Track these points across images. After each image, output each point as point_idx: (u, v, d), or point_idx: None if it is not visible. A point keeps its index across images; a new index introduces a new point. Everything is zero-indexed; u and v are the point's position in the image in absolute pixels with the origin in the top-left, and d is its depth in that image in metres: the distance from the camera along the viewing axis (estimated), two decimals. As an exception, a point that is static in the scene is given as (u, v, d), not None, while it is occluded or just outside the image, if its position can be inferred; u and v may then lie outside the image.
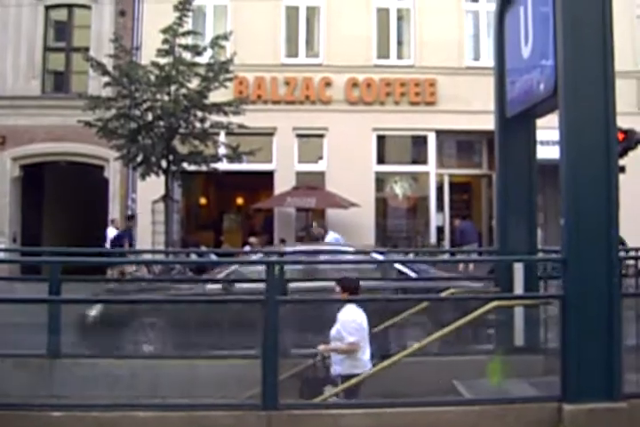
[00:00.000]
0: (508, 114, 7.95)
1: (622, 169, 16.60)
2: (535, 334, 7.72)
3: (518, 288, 7.69)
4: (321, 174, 19.81)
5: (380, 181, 20.41)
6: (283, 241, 18.78)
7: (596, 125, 5.86)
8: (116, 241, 17.24)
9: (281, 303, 6.22)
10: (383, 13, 20.44)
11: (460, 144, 21.60)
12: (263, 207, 20.12)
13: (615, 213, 5.87)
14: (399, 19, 20.68)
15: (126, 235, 17.45)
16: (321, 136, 19.89)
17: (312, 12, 20.48)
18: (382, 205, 20.56)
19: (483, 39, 20.03)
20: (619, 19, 19.33)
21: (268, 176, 19.68)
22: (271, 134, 19.69)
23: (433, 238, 20.01)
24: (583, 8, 5.95)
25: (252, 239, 18.02)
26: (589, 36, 5.95)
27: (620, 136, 15.59)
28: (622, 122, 15.82)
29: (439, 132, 20.13)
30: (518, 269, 7.73)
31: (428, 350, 7.18)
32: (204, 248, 17.16)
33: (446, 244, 20.09)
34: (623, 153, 15.89)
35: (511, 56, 7.77)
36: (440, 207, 20.35)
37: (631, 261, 10.16)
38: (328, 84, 19.75)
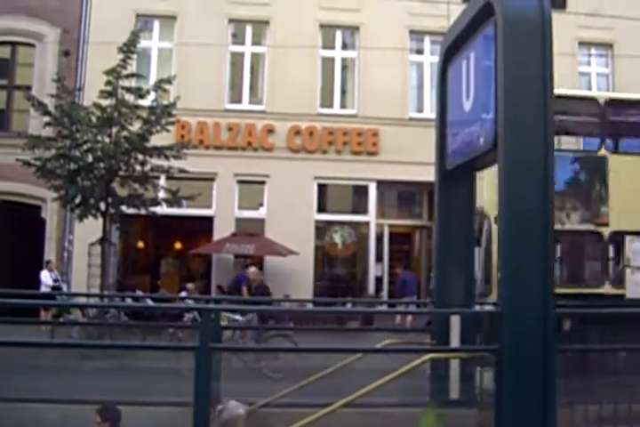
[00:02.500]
0: (448, 166, 7.97)
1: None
2: (470, 387, 7.65)
3: (454, 341, 7.63)
4: (261, 221, 19.73)
5: (320, 229, 20.40)
6: (220, 288, 18.57)
7: (534, 180, 5.87)
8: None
9: (214, 351, 6.06)
10: (328, 62, 20.70)
11: (401, 195, 21.80)
12: (201, 253, 19.89)
13: (551, 268, 5.86)
14: (344, 68, 20.97)
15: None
16: (262, 183, 19.87)
17: (257, 59, 20.65)
18: (321, 254, 20.52)
19: (427, 91, 20.40)
20: (562, 75, 20.01)
21: (207, 221, 19.54)
22: (212, 180, 19.60)
23: (371, 289, 19.97)
24: (524, 63, 6.01)
25: (189, 285, 17.78)
26: (530, 91, 6.00)
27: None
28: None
29: (380, 183, 20.26)
30: (455, 321, 7.69)
31: (363, 401, 7.05)
32: (140, 293, 16.89)
33: (385, 294, 20.07)
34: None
35: (453, 109, 7.82)
36: (379, 257, 20.37)
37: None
38: (271, 131, 19.82)
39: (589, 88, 22.26)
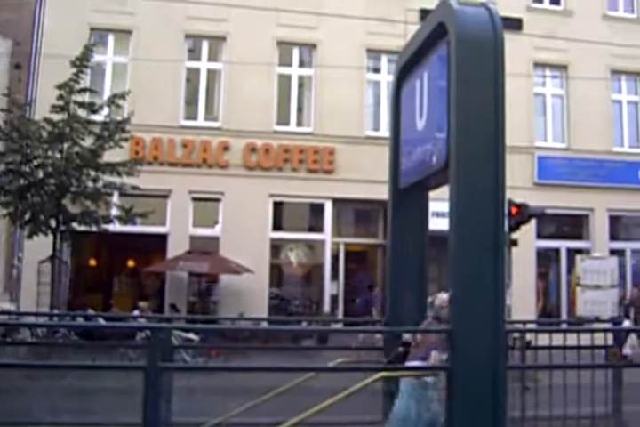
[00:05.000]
0: (401, 185, 7.97)
1: (515, 242, 17.09)
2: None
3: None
4: (215, 239, 19.59)
5: (276, 247, 20.34)
6: (173, 306, 18.36)
7: (485, 199, 5.90)
8: None
9: (163, 370, 5.96)
10: (285, 80, 20.74)
11: (358, 213, 21.83)
12: (155, 271, 19.66)
13: (502, 286, 5.88)
14: (300, 86, 21.02)
15: None
16: (217, 200, 19.75)
17: (213, 76, 20.60)
18: (277, 272, 20.45)
19: (383, 109, 20.49)
20: (517, 96, 20.40)
21: (161, 239, 19.33)
22: (166, 197, 19.43)
23: (327, 307, 19.92)
24: (476, 84, 6.05)
25: (142, 303, 17.53)
26: (482, 110, 6.03)
27: (514, 210, 16.04)
28: (517, 196, 16.56)
29: (336, 201, 20.28)
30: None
31: (315, 420, 6.98)
32: (91, 311, 16.63)
33: (340, 313, 20.02)
34: (516, 227, 16.32)
35: (406, 127, 7.84)
36: (335, 276, 20.34)
37: (517, 334, 10.30)
38: (226, 148, 19.74)
39: (544, 109, 22.62)
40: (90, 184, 15.75)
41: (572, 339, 8.07)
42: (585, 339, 7.99)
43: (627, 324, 18.65)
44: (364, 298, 18.66)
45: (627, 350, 18.06)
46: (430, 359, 6.92)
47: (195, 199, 19.71)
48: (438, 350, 7.04)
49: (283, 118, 20.51)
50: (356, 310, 19.02)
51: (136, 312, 16.63)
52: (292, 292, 20.79)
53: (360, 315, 17.55)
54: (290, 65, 20.95)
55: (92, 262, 22.81)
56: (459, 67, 6.01)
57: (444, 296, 7.93)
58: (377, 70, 21.41)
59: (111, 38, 20.25)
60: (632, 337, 18.81)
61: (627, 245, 22.79)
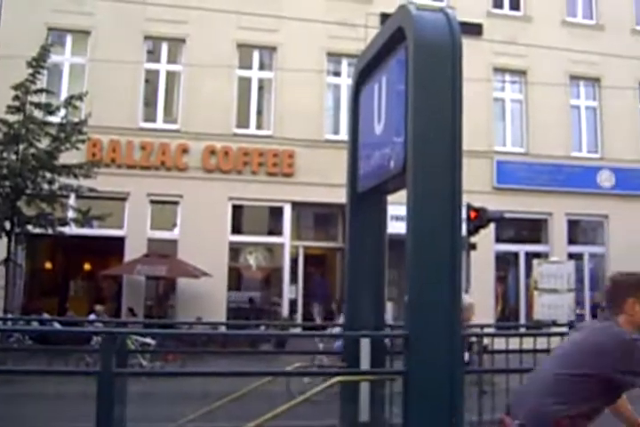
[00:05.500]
0: (359, 189, 7.95)
1: (473, 246, 17.21)
2: (380, 409, 7.61)
3: (364, 364, 7.60)
4: (174, 242, 19.45)
5: (235, 250, 20.27)
6: (131, 310, 18.18)
7: (442, 204, 5.90)
8: None
9: (118, 376, 5.86)
10: (245, 82, 20.69)
11: (317, 216, 21.83)
12: (112, 274, 19.45)
13: (458, 290, 5.89)
14: (260, 88, 20.98)
15: None
16: (175, 203, 19.64)
17: (172, 77, 20.48)
18: (235, 276, 20.34)
19: (343, 113, 20.53)
20: (477, 101, 20.55)
21: (118, 242, 19.15)
22: (124, 199, 19.26)
23: (285, 311, 19.85)
24: (434, 88, 6.06)
25: (99, 307, 17.36)
26: (439, 115, 6.03)
27: (473, 214, 16.15)
28: (476, 200, 16.67)
29: (296, 204, 20.25)
30: (365, 344, 7.65)
31: (272, 425, 6.93)
32: (47, 316, 16.37)
33: (299, 317, 19.98)
34: (475, 231, 16.44)
35: (365, 131, 7.83)
36: (294, 279, 20.29)
37: (474, 338, 10.33)
38: (185, 150, 19.62)
39: (503, 114, 22.82)
40: (45, 186, 15.56)
41: (529, 343, 8.11)
42: (542, 343, 8.03)
43: None
44: None
45: None
46: None
47: (153, 202, 19.57)
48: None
49: (242, 121, 20.45)
50: None
51: (92, 316, 16.44)
52: (250, 295, 20.70)
53: None
54: (250, 68, 20.92)
55: (48, 266, 22.49)
56: (416, 71, 6.01)
57: (466, 299, 8.02)
58: (337, 74, 21.47)
59: (69, 39, 20.06)
60: None
61: (585, 249, 23.09)
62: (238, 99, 20.53)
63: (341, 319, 11.29)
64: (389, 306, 17.47)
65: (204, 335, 14.99)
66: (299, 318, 19.95)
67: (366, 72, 7.83)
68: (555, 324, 15.09)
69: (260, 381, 7.74)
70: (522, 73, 22.86)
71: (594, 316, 19.93)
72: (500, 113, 22.92)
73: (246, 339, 15.64)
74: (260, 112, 20.90)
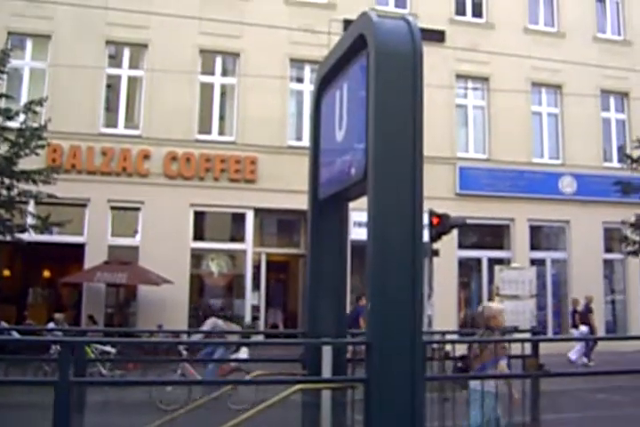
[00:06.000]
0: (321, 195, 7.93)
1: (436, 253, 17.25)
2: (342, 417, 7.57)
3: (326, 371, 7.56)
4: (135, 249, 19.26)
5: (197, 257, 20.11)
6: (91, 318, 17.96)
7: (402, 211, 5.89)
8: None
9: (75, 385, 5.77)
10: (207, 88, 20.59)
11: (280, 223, 21.77)
12: (72, 281, 19.20)
13: (420, 298, 5.87)
14: (223, 94, 20.89)
15: None
16: (136, 209, 19.44)
17: (134, 83, 20.31)
18: (197, 283, 20.19)
19: (305, 119, 20.46)
20: (440, 107, 20.66)
21: (78, 249, 18.91)
22: (84, 206, 19.03)
23: (248, 318, 19.74)
24: (395, 95, 6.06)
25: (58, 315, 17.09)
26: (400, 122, 6.03)
27: (435, 221, 16.18)
28: (439, 206, 16.73)
29: (258, 210, 20.18)
30: (326, 351, 7.62)
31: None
32: (4, 324, 16.13)
33: (261, 324, 19.88)
34: (437, 237, 16.47)
35: (326, 138, 7.81)
36: (256, 286, 20.19)
37: (436, 345, 10.34)
38: (146, 156, 19.46)
39: (466, 120, 22.96)
40: (4, 192, 15.30)
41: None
42: (512, 348, 8.05)
43: (583, 329, 19.35)
44: (353, 310, 18.43)
45: (572, 355, 18.68)
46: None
47: (113, 208, 19.36)
48: (502, 360, 7.51)
49: (204, 127, 20.34)
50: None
51: (51, 325, 16.21)
52: (212, 302, 20.56)
53: (349, 327, 17.30)
54: (212, 73, 20.82)
55: (6, 273, 22.11)
56: (377, 78, 6.00)
57: (493, 306, 8.06)
58: (300, 80, 21.45)
59: (29, 43, 19.82)
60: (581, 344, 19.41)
61: (547, 255, 23.29)
62: (200, 105, 20.41)
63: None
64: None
65: (165, 343, 14.88)
66: (261, 324, 19.85)
67: (328, 79, 7.82)
68: (516, 330, 15.14)
69: (224, 388, 7.70)
70: (484, 80, 23.03)
71: (573, 323, 20.18)
72: (463, 119, 23.06)
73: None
74: (222, 118, 20.80)
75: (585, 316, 20.04)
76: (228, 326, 14.42)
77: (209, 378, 7.63)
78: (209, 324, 13.79)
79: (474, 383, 7.74)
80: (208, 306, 16.50)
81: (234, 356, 12.62)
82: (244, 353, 12.73)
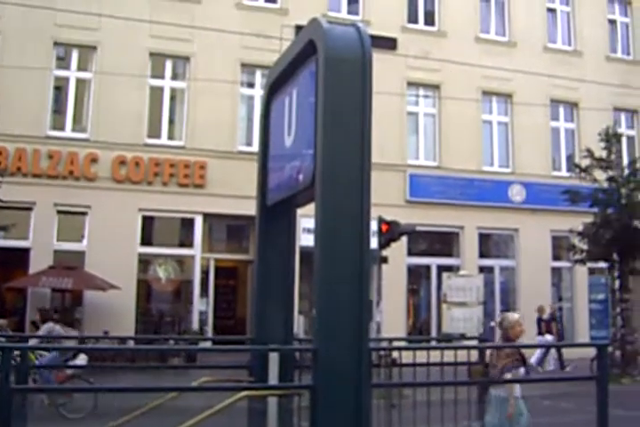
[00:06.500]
0: (269, 201, 7.89)
1: (385, 260, 17.28)
2: (289, 424, 7.52)
3: (272, 378, 7.51)
4: (81, 254, 18.99)
5: (144, 262, 19.88)
6: (33, 323, 17.61)
7: (350, 217, 5.87)
8: None
9: (16, 392, 5.62)
10: (157, 92, 20.40)
11: (229, 229, 21.65)
12: (16, 286, 18.80)
13: (367, 304, 5.86)
14: (173, 98, 20.71)
15: None
16: (83, 214, 19.16)
17: (83, 85, 20.03)
18: (144, 288, 19.95)
19: (256, 125, 20.31)
20: (391, 115, 20.76)
21: (23, 253, 18.55)
22: (29, 209, 18.70)
23: (195, 324, 19.55)
24: (344, 102, 6.04)
25: (1, 321, 16.69)
26: (348, 129, 6.02)
27: (384, 227, 16.21)
28: (389, 214, 16.77)
29: (207, 216, 20.03)
30: (273, 358, 7.57)
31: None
32: (-58, 332, 15.71)
33: (209, 330, 19.71)
34: (386, 244, 16.51)
35: (275, 144, 7.78)
36: (205, 292, 20.03)
37: (383, 352, 10.36)
38: (94, 160, 19.19)
39: (417, 127, 23.09)
40: (-55, 195, 14.99)
41: (438, 356, 8.14)
42: (452, 356, 8.08)
43: (548, 338, 19.67)
44: None
45: (532, 360, 18.99)
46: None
47: (60, 212, 19.04)
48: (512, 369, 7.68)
49: (154, 131, 20.14)
50: None
51: (-6, 330, 15.86)
52: (159, 308, 20.36)
53: None
54: (162, 77, 20.64)
55: (-52, 278, 21.61)
56: (326, 84, 5.99)
57: (511, 316, 8.12)
58: (251, 85, 21.36)
59: (-26, 43, 19.39)
60: (552, 351, 19.68)
61: (496, 263, 23.52)
62: (150, 108, 20.20)
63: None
64: (301, 320, 17.43)
65: (111, 350, 14.67)
66: (209, 331, 19.67)
67: (277, 84, 7.79)
68: (463, 337, 15.26)
69: (167, 396, 7.59)
70: (435, 88, 23.20)
71: (539, 330, 20.41)
72: (414, 127, 23.19)
73: (155, 353, 15.32)
74: (172, 122, 20.62)
75: (549, 324, 20.40)
76: (66, 331, 14.22)
77: (149, 385, 7.52)
78: (45, 329, 13.55)
79: (495, 391, 7.83)
80: (45, 310, 16.18)
81: (71, 362, 12.45)
82: (82, 360, 12.53)
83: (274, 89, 8.00)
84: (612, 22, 26.60)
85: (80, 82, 20.03)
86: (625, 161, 21.31)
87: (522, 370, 8.06)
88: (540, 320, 20.65)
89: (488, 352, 8.16)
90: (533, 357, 19.26)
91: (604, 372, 6.89)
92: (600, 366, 6.90)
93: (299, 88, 7.00)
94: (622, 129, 24.51)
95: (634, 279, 19.35)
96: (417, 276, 22.80)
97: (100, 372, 13.44)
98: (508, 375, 7.71)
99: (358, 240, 5.90)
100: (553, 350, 19.78)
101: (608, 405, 6.77)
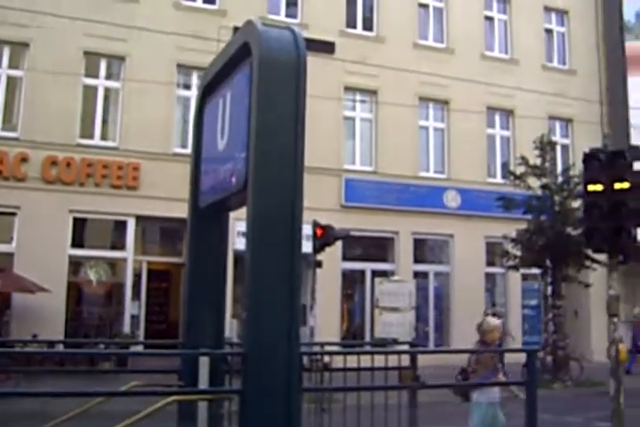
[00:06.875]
0: (201, 204, 7.85)
1: (319, 264, 17.30)
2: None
3: (202, 382, 7.44)
4: (9, 255, 18.56)
5: (75, 265, 19.52)
6: (-42, 326, 17.17)
7: (281, 221, 5.85)
8: None
9: None
10: (90, 91, 20.07)
11: (162, 231, 21.41)
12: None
13: (298, 308, 5.84)
14: (106, 98, 20.38)
15: None
16: (12, 214, 18.73)
17: (14, 83, 19.63)
18: (75, 291, 19.59)
19: (192, 127, 20.17)
20: (327, 119, 20.80)
21: (-52, 255, 18.07)
22: (-45, 210, 18.21)
23: (127, 328, 19.27)
24: (277, 105, 6.03)
25: None
26: (281, 132, 6.00)
27: (319, 232, 16.24)
28: (324, 218, 16.79)
29: (140, 218, 19.78)
30: (203, 362, 7.51)
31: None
32: None
33: (141, 334, 19.45)
34: (321, 248, 16.54)
35: (208, 147, 7.72)
36: (137, 295, 19.76)
37: (316, 356, 10.37)
38: (24, 159, 18.78)
39: (353, 132, 23.17)
40: None
41: (374, 361, 8.16)
42: (390, 360, 8.11)
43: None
44: None
45: None
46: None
47: (-13, 213, 18.60)
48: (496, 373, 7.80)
49: (87, 131, 19.81)
50: None
51: None
52: (90, 311, 20.00)
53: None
54: (97, 76, 20.31)
55: None
56: (260, 87, 5.97)
57: (492, 321, 8.10)
58: (187, 87, 21.16)
59: None
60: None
61: (430, 268, 23.73)
62: (83, 108, 19.84)
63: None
64: (235, 323, 17.33)
65: (39, 354, 14.36)
66: (141, 334, 19.41)
67: (211, 86, 7.74)
68: (395, 342, 15.35)
69: (95, 400, 7.48)
70: (373, 93, 23.32)
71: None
72: (350, 132, 23.27)
73: (85, 357, 15.07)
74: (105, 122, 20.30)
75: None
76: None
77: (77, 390, 7.40)
78: None
79: (475, 396, 7.94)
80: None
81: None
82: None
83: (208, 91, 7.95)
84: (549, 32, 27.15)
85: (11, 79, 19.60)
86: (559, 169, 21.72)
87: (501, 375, 8.17)
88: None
89: (468, 358, 8.24)
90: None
91: (533, 377, 6.99)
92: (529, 372, 7.01)
93: (233, 90, 6.96)
94: (557, 137, 25.01)
95: (566, 286, 19.70)
96: (351, 281, 22.86)
97: (27, 376, 13.20)
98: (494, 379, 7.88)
99: (290, 244, 5.88)
100: None
101: (537, 409, 6.88)
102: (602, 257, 15.15)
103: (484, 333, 8.16)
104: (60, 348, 13.89)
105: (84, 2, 19.86)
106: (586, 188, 11.61)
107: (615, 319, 11.75)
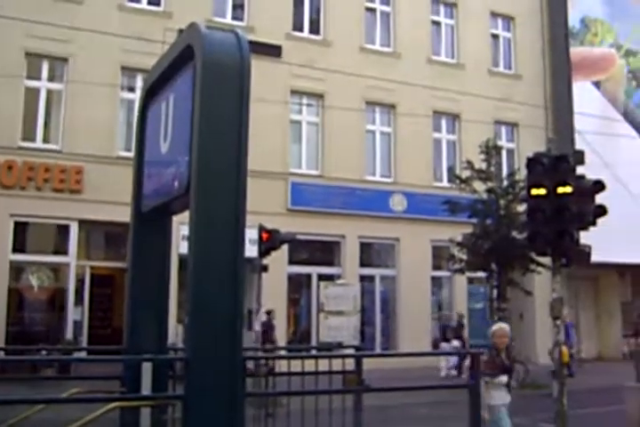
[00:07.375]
0: (144, 208, 7.79)
1: (265, 268, 17.22)
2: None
3: (145, 388, 7.35)
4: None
5: (16, 270, 19.12)
6: None
7: (224, 225, 5.83)
8: None
9: None
10: (32, 93, 19.71)
11: (106, 236, 21.14)
12: None
13: (241, 313, 5.82)
14: (49, 100, 20.05)
15: None
16: (-49, 219, 18.29)
17: (-47, 85, 19.15)
18: (16, 297, 19.18)
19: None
20: (274, 122, 20.75)
21: None
22: None
23: (69, 334, 18.95)
24: (220, 108, 6.02)
25: None
26: (224, 135, 5.99)
27: (265, 236, 16.17)
28: (270, 222, 16.72)
29: (83, 222, 19.49)
30: (146, 368, 7.42)
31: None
32: None
33: (84, 340, 19.14)
34: (266, 252, 16.47)
35: (150, 149, 7.67)
36: (80, 301, 19.45)
37: (262, 361, 10.34)
38: (-36, 162, 18.38)
39: (300, 136, 23.14)
40: None
41: (319, 364, 8.15)
42: (335, 364, 8.11)
43: (455, 343, 20.21)
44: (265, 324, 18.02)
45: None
46: None
47: None
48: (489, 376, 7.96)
49: (28, 134, 19.43)
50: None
51: None
52: (32, 318, 19.61)
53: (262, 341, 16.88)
54: (39, 78, 19.95)
55: None
56: (203, 90, 5.96)
57: (506, 327, 8.59)
58: (132, 89, 20.87)
59: None
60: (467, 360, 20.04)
61: (376, 272, 23.82)
62: (24, 110, 19.45)
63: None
64: (180, 328, 17.15)
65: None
66: (84, 340, 19.10)
67: (154, 89, 7.71)
68: (340, 346, 15.35)
69: (35, 408, 7.36)
70: (319, 96, 23.33)
71: (444, 336, 20.92)
72: (297, 135, 23.23)
73: (26, 364, 14.78)
74: (47, 125, 19.93)
75: (458, 330, 21.15)
76: None
77: (16, 397, 7.24)
78: None
79: (489, 399, 8.12)
80: None
81: None
82: None
83: (151, 93, 7.89)
84: (495, 37, 27.48)
85: (-50, 81, 19.18)
86: (504, 173, 21.96)
87: (503, 378, 8.24)
88: (445, 327, 21.21)
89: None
90: (448, 363, 19.97)
91: (476, 380, 7.06)
92: (473, 375, 7.07)
93: (176, 93, 6.92)
94: (502, 142, 25.30)
95: (511, 289, 19.90)
96: (298, 284, 22.82)
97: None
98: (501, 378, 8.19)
99: (233, 248, 5.87)
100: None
101: (480, 412, 6.95)
102: (546, 260, 15.32)
103: (500, 338, 8.36)
104: (1, 355, 13.64)
105: (25, 2, 19.50)
106: (529, 192, 11.75)
107: (559, 322, 11.90)
